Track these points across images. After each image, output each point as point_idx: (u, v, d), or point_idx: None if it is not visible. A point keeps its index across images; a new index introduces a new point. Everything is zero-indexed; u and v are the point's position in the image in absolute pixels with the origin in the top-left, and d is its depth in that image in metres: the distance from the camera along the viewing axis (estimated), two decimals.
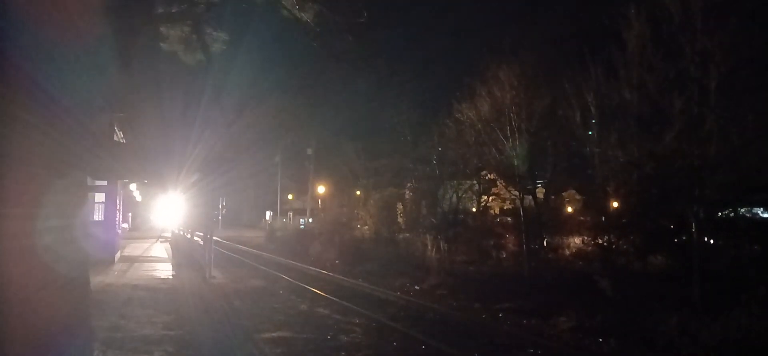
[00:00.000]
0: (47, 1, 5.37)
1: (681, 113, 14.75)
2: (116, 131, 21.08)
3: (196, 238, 21.51)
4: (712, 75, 13.93)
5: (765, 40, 13.40)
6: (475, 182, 26.57)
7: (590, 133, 18.05)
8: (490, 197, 26.01)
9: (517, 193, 20.37)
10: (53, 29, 5.42)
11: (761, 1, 14.28)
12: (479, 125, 20.78)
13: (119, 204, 24.55)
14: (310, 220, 50.04)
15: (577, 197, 26.58)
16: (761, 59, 13.63)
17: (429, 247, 23.11)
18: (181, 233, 32.61)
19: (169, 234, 41.33)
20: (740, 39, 13.51)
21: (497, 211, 25.20)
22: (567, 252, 19.74)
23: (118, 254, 22.94)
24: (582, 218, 22.20)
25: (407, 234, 25.40)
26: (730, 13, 13.56)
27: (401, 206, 26.53)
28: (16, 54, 5.26)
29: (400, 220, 26.23)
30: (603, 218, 17.94)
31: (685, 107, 14.61)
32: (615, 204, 18.17)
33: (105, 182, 20.81)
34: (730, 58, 13.68)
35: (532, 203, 20.65)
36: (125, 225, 40.43)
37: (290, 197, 70.41)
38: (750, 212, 18.56)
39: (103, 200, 21.55)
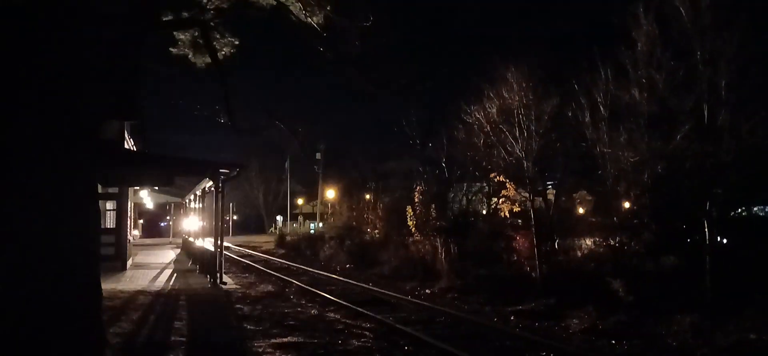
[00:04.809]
0: (56, 11, 5.41)
1: (691, 111, 14.65)
2: (127, 138, 21.22)
3: (206, 244, 21.62)
4: (722, 73, 13.81)
5: None
6: (484, 184, 26.48)
7: (600, 133, 17.93)
8: (500, 200, 25.90)
9: (527, 195, 20.28)
10: (63, 39, 5.46)
11: None
12: (488, 127, 20.72)
13: (130, 211, 24.67)
14: (320, 224, 50.12)
15: (588, 197, 26.39)
16: None
17: (439, 250, 23.04)
18: (192, 239, 32.81)
19: (180, 240, 41.50)
20: (750, 36, 13.41)
21: (507, 213, 25.08)
22: (578, 254, 19.61)
23: (129, 261, 23.04)
24: (593, 219, 22.03)
25: (417, 237, 25.34)
26: (739, 10, 13.47)
27: (410, 210, 26.46)
28: (26, 63, 5.30)
29: (409, 223, 26.15)
30: (614, 219, 17.80)
31: (695, 106, 14.51)
32: (626, 205, 18.05)
33: (116, 190, 20.93)
34: (740, 56, 13.57)
35: (543, 204, 20.55)
36: (136, 232, 40.61)
37: (300, 201, 70.60)
38: (763, 210, 18.41)
39: (114, 207, 21.67)
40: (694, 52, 14.39)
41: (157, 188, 30.75)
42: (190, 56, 9.89)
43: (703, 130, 14.32)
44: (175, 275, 20.52)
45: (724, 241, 15.81)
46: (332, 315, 14.25)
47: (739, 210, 16.29)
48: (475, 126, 21.47)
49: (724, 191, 14.05)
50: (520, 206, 23.65)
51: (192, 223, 32.02)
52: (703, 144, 14.26)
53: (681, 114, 14.93)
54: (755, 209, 17.17)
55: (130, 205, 24.31)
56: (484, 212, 26.84)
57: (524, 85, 19.40)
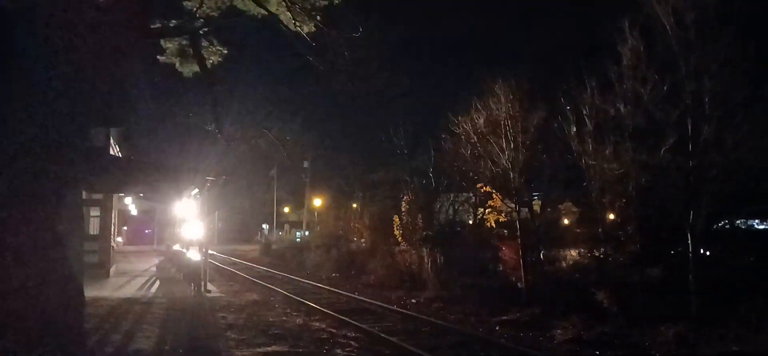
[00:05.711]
0: (43, 18, 5.37)
1: (675, 125, 14.80)
2: (112, 144, 21.04)
3: (191, 252, 21.51)
4: (707, 87, 13.98)
5: (759, 51, 13.48)
6: (471, 194, 26.56)
7: (586, 145, 18.05)
8: (487, 210, 25.98)
9: (513, 205, 20.37)
10: (50, 46, 5.41)
11: (755, 14, 14.37)
12: (475, 138, 20.79)
13: (114, 218, 24.44)
14: (307, 233, 49.95)
15: (574, 209, 26.55)
16: (756, 71, 13.70)
17: (425, 259, 23.05)
18: (177, 246, 32.61)
19: (164, 248, 41.15)
20: (734, 51, 13.58)
21: (493, 223, 25.14)
22: (564, 264, 19.70)
23: (112, 268, 22.81)
24: (578, 230, 22.15)
25: (403, 247, 25.34)
26: (723, 25, 13.64)
27: (397, 219, 26.47)
28: (14, 70, 5.25)
29: (396, 233, 26.14)
30: (599, 230, 17.92)
31: (680, 119, 14.66)
32: (611, 216, 18.17)
33: (100, 196, 20.75)
34: (724, 71, 13.74)
35: (529, 215, 20.64)
36: (120, 239, 40.24)
37: (286, 209, 70.27)
38: (745, 223, 18.62)
39: (98, 213, 21.47)
40: (678, 67, 14.55)
41: (142, 195, 30.51)
42: (176, 65, 9.84)
43: (687, 143, 14.46)
44: (158, 283, 20.35)
45: (708, 253, 15.98)
46: (317, 324, 14.20)
47: (723, 223, 16.44)
48: (463, 137, 21.53)
49: (708, 204, 14.19)
50: (506, 216, 23.74)
51: (177, 231, 31.80)
52: (686, 157, 14.41)
53: (665, 127, 15.07)
54: (738, 222, 17.35)
55: (114, 212, 24.08)
56: (471, 222, 26.92)
57: (511, 97, 19.50)
